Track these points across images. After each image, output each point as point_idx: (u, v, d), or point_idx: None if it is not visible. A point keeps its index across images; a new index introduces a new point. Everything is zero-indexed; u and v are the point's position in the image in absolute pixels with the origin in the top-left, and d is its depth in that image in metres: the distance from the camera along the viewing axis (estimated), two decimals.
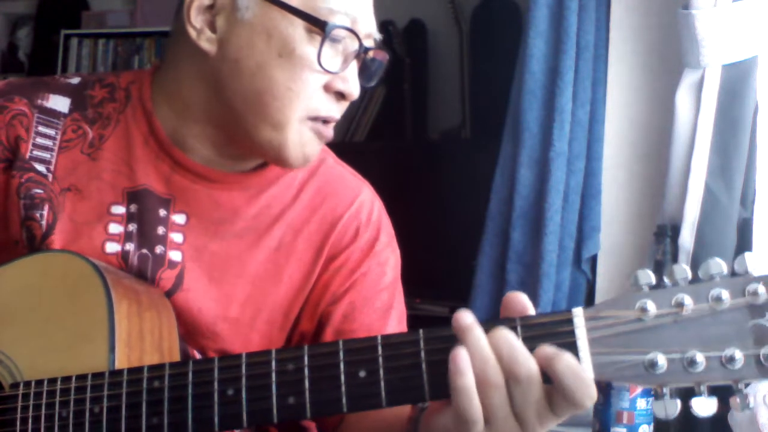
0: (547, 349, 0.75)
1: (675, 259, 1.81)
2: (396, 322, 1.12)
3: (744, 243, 1.79)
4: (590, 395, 0.74)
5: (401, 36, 3.42)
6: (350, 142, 3.47)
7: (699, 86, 1.80)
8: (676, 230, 1.82)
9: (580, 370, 0.74)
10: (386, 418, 0.97)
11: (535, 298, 2.05)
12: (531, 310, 0.79)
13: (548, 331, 0.76)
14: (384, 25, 3.42)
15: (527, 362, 0.74)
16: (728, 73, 1.79)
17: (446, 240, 2.98)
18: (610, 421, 1.49)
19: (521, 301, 0.79)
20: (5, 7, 4.30)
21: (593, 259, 2.11)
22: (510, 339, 0.75)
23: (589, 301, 2.11)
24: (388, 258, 1.14)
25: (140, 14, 4.03)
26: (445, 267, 3.02)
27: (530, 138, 2.13)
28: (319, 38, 0.97)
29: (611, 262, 2.06)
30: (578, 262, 2.12)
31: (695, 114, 1.81)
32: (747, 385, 0.74)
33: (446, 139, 3.38)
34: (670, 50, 1.91)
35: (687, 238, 1.80)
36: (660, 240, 1.83)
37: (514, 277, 2.14)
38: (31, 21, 4.26)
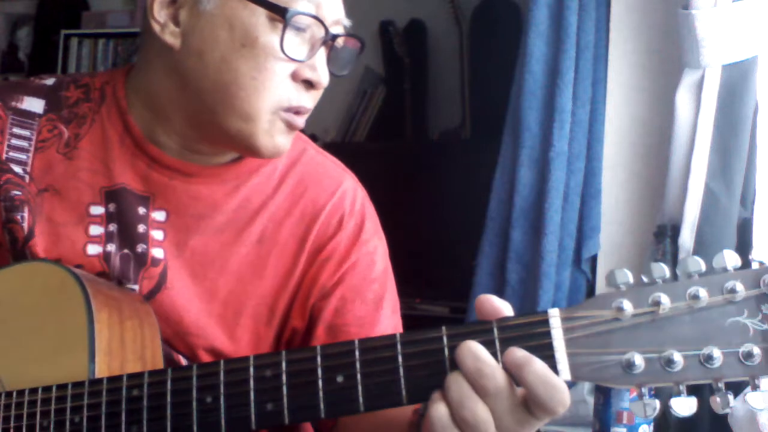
0: (517, 353, 0.74)
1: (675, 259, 1.81)
2: (389, 314, 1.11)
3: (744, 243, 1.79)
4: (561, 401, 0.73)
5: (401, 36, 3.43)
6: (350, 142, 3.48)
7: (699, 86, 1.80)
8: (676, 230, 1.82)
9: (550, 377, 0.73)
10: (384, 421, 0.96)
11: (535, 298, 2.05)
12: (505, 310, 0.78)
13: (524, 332, 0.75)
14: (384, 25, 3.43)
15: (494, 375, 0.74)
16: (728, 73, 1.79)
17: (446, 240, 2.98)
18: (610, 421, 1.50)
19: (492, 303, 0.78)
20: (5, 7, 4.30)
21: (593, 259, 2.11)
22: (475, 351, 0.75)
23: None
24: (376, 247, 1.13)
25: (140, 14, 4.02)
26: (445, 267, 3.02)
27: (530, 138, 2.13)
28: (281, 26, 0.96)
29: (611, 262, 2.05)
30: (578, 262, 2.11)
31: (695, 114, 1.81)
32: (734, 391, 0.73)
33: (446, 139, 3.38)
34: (670, 50, 1.91)
35: (687, 238, 1.80)
36: (660, 240, 1.83)
37: (514, 277, 2.14)
38: (31, 21, 4.26)
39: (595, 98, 2.11)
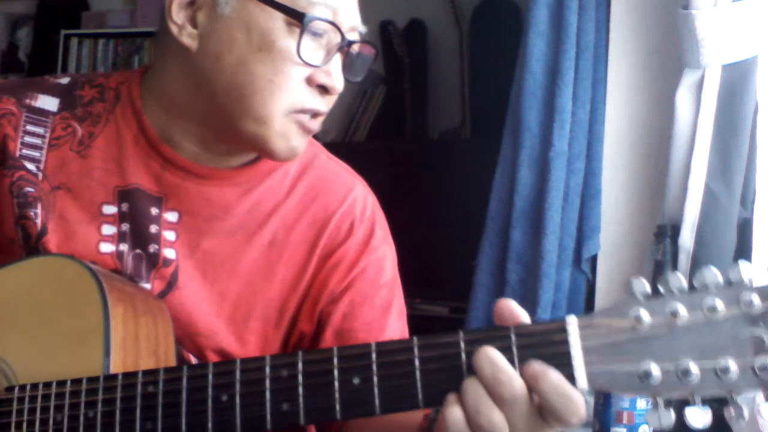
0: (534, 366, 0.74)
1: (675, 259, 1.81)
2: (396, 319, 1.12)
3: (744, 243, 1.79)
4: (576, 412, 0.73)
5: (401, 36, 3.43)
6: (350, 142, 3.48)
7: (699, 86, 1.80)
8: (676, 230, 1.82)
9: (566, 388, 0.73)
10: (394, 426, 0.96)
11: (535, 298, 2.05)
12: (522, 317, 0.78)
13: (542, 339, 0.75)
14: (384, 25, 3.42)
15: (511, 383, 0.74)
16: (728, 73, 1.79)
17: (446, 240, 2.98)
18: (610, 421, 1.49)
19: (511, 309, 0.78)
20: (5, 7, 4.30)
21: (593, 259, 2.11)
22: (492, 358, 0.75)
23: (589, 301, 2.11)
24: (386, 253, 1.13)
25: (140, 14, 4.03)
26: (445, 267, 3.02)
27: (530, 138, 2.13)
28: (298, 31, 0.97)
29: (611, 262, 2.06)
30: (578, 262, 2.11)
31: (695, 114, 1.81)
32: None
33: (446, 139, 3.38)
34: (670, 50, 1.91)
35: (687, 238, 1.80)
36: (660, 240, 1.83)
37: (514, 277, 2.14)
38: (31, 21, 4.26)
39: (595, 98, 2.11)
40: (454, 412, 0.75)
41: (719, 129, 1.79)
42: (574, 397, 0.73)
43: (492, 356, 0.75)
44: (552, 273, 2.06)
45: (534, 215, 2.12)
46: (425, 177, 3.19)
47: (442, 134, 3.42)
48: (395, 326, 1.11)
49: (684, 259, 1.80)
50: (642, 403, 1.49)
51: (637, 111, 2.05)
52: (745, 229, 1.80)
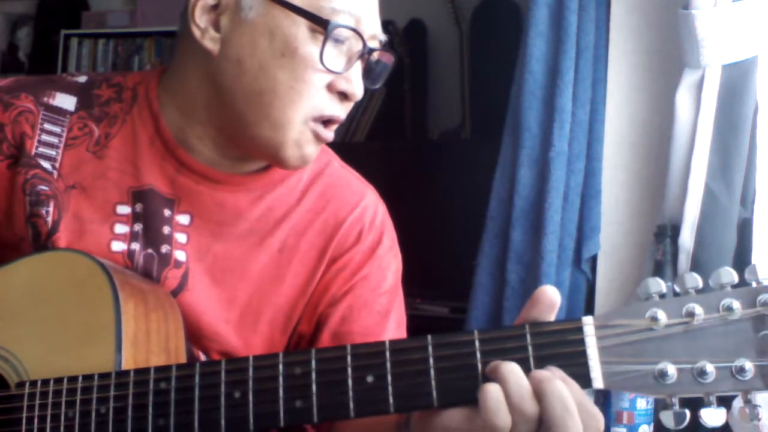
0: (555, 372, 0.76)
1: (675, 259, 1.81)
2: (394, 327, 1.12)
3: (744, 243, 1.79)
4: (595, 428, 0.76)
5: (401, 36, 3.42)
6: (350, 142, 3.47)
7: (699, 86, 1.80)
8: (676, 230, 1.82)
9: (588, 405, 0.76)
10: (373, 421, 0.97)
11: None
12: (556, 307, 0.79)
13: (558, 339, 0.76)
14: (384, 25, 3.42)
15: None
16: (728, 73, 1.79)
17: (446, 240, 2.98)
18: (610, 421, 1.50)
19: (550, 297, 0.79)
20: (5, 7, 4.30)
21: (593, 259, 2.11)
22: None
23: (589, 301, 2.11)
24: (390, 263, 1.14)
25: (140, 14, 4.03)
26: (445, 267, 3.02)
27: (530, 138, 2.12)
28: (321, 38, 0.97)
29: (611, 262, 2.05)
30: (578, 262, 2.11)
31: (695, 114, 1.81)
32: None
33: (446, 139, 3.38)
34: (670, 50, 1.91)
35: (687, 238, 1.80)
36: (660, 240, 1.83)
37: (514, 277, 2.14)
38: (31, 21, 4.26)
39: (595, 98, 2.11)
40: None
41: (719, 129, 1.79)
42: (595, 414, 0.76)
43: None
44: (552, 273, 2.06)
45: (534, 215, 2.12)
46: (425, 177, 3.19)
47: (442, 134, 3.42)
48: (392, 334, 1.11)
49: (684, 259, 1.80)
50: (642, 403, 1.49)
51: (637, 111, 2.04)
52: (745, 229, 1.80)
